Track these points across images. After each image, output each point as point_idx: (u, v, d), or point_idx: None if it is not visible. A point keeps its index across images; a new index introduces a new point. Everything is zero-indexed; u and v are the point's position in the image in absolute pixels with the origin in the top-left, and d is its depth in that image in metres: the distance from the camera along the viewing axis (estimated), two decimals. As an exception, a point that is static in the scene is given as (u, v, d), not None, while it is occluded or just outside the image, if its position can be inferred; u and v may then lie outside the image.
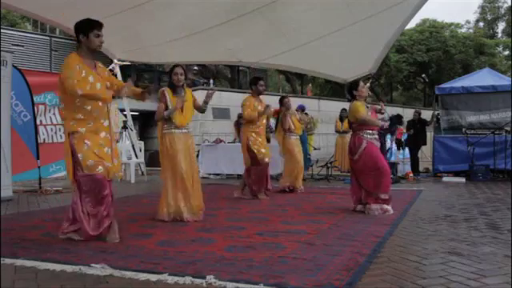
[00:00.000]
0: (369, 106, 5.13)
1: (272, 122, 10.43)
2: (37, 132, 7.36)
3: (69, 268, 2.64)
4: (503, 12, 36.34)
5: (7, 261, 2.82)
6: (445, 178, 8.72)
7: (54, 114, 8.17)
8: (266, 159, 6.09)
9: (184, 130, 4.39)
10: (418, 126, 9.71)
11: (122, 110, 10.61)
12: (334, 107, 15.43)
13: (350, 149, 4.88)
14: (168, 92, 4.42)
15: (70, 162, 3.45)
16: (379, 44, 7.01)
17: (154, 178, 9.77)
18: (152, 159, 16.16)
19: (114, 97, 3.56)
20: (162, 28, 6.19)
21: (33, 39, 16.66)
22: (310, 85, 24.75)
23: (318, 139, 12.57)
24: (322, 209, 5.07)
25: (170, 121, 4.35)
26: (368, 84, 8.36)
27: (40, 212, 5.08)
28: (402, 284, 2.37)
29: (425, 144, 9.92)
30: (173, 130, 4.35)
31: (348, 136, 10.64)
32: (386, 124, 5.76)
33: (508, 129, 8.92)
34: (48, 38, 17.18)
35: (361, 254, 2.92)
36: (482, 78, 9.96)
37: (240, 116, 10.52)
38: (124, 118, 9.94)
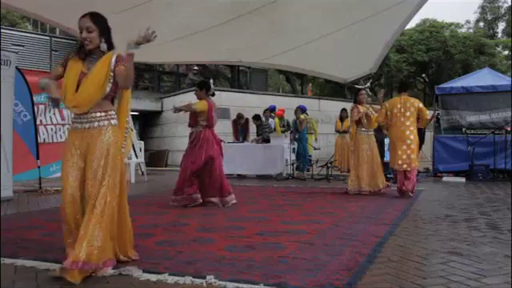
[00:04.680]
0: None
1: (271, 121, 10.44)
2: (37, 132, 7.36)
3: (69, 268, 2.64)
4: (503, 12, 36.34)
5: (7, 261, 2.81)
6: (445, 178, 8.72)
7: (53, 113, 8.16)
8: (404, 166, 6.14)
9: (86, 125, 2.67)
10: None
11: (122, 110, 10.58)
12: (334, 107, 15.42)
13: None
14: (71, 62, 2.75)
15: None
16: (379, 44, 7.01)
17: (154, 178, 9.78)
18: (152, 159, 16.17)
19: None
20: (162, 28, 6.17)
21: (33, 39, 16.66)
22: (310, 85, 24.74)
23: (318, 139, 12.56)
24: (322, 209, 5.07)
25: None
26: (368, 84, 8.40)
27: (40, 212, 5.07)
28: (402, 284, 2.37)
29: (422, 142, 9.92)
30: (73, 124, 2.77)
31: (348, 136, 10.69)
32: None
33: (508, 129, 8.92)
34: (48, 37, 17.18)
35: (361, 254, 2.92)
36: (482, 77, 9.97)
37: (239, 116, 10.54)
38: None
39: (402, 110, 6.18)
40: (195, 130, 5.40)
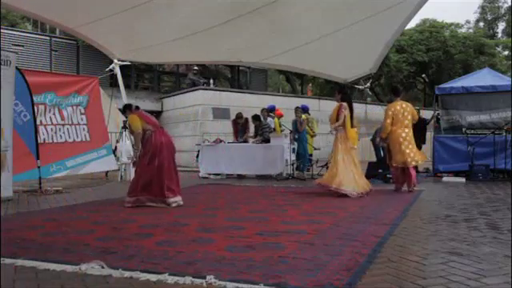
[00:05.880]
0: None
1: (270, 120, 10.43)
2: (37, 132, 7.36)
3: (69, 268, 2.64)
4: (503, 12, 36.40)
5: (7, 261, 2.81)
6: (445, 178, 8.72)
7: (53, 114, 8.16)
8: (413, 163, 6.74)
9: None
10: (416, 124, 9.69)
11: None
12: (334, 107, 15.40)
13: None
14: None
15: None
16: (379, 44, 7.02)
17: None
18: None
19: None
20: (162, 28, 6.19)
21: (33, 39, 16.67)
22: (310, 85, 24.73)
23: (318, 139, 12.57)
24: (321, 209, 5.07)
25: None
26: (368, 84, 8.39)
27: (40, 212, 5.07)
28: (402, 284, 2.37)
29: (424, 143, 9.92)
30: None
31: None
32: None
33: (508, 128, 8.91)
34: (48, 37, 17.19)
35: (361, 254, 2.92)
36: (482, 78, 9.96)
37: (239, 116, 10.53)
38: (124, 118, 9.93)
39: (405, 113, 6.81)
40: (147, 135, 5.43)
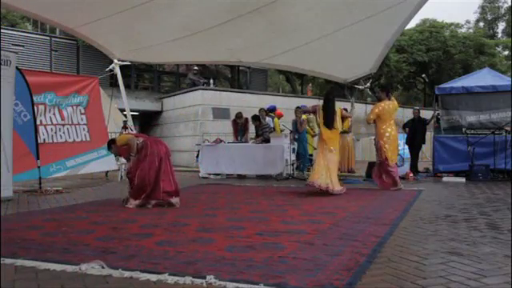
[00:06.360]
0: None
1: (269, 120, 10.42)
2: (37, 132, 7.36)
3: (69, 268, 2.64)
4: (503, 12, 36.43)
5: (7, 261, 2.81)
6: (445, 178, 8.72)
7: (53, 114, 8.15)
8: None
9: None
10: (416, 124, 9.71)
11: (122, 110, 10.60)
12: (334, 107, 15.39)
13: None
14: None
15: None
16: (379, 44, 7.03)
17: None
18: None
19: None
20: (162, 28, 6.20)
21: (33, 39, 16.68)
22: (310, 85, 24.73)
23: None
24: (321, 209, 5.07)
25: None
26: (368, 84, 8.42)
27: (40, 212, 5.07)
28: (402, 284, 2.37)
29: (424, 143, 9.92)
30: None
31: (349, 136, 10.62)
32: None
33: (508, 129, 8.92)
34: (48, 37, 17.19)
35: (361, 254, 2.92)
36: (482, 78, 9.95)
37: (238, 116, 10.53)
38: (124, 118, 9.93)
39: (392, 115, 7.17)
40: (141, 144, 5.46)
